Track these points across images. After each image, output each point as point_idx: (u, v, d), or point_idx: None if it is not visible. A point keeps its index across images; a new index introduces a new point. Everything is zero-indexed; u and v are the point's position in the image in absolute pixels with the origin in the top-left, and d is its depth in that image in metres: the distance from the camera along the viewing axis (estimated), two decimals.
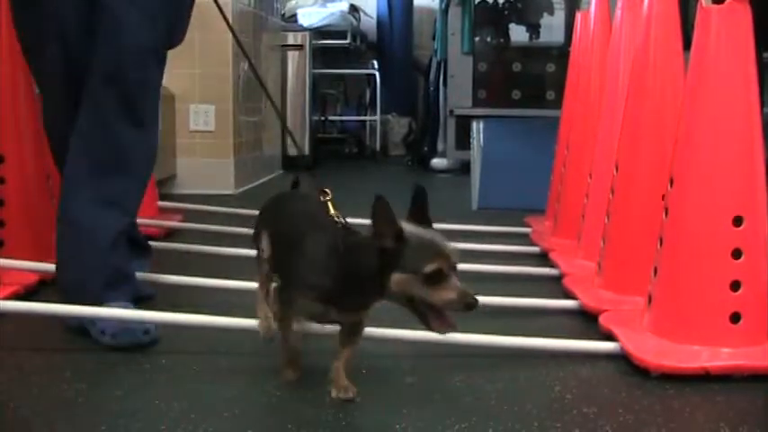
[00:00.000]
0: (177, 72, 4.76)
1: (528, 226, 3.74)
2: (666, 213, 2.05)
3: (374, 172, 6.88)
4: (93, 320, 2.09)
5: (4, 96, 2.67)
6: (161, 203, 3.91)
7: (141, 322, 2.08)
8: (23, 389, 1.82)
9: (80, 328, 2.13)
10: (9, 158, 2.67)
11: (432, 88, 6.97)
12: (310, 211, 1.77)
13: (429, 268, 1.51)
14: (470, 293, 1.52)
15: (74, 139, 2.20)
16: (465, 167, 5.49)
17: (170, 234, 3.55)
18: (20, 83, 2.69)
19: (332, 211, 1.71)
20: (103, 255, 2.17)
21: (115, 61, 2.16)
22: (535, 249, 3.31)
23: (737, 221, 1.95)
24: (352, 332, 1.73)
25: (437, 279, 1.52)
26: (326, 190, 1.76)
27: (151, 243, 3.15)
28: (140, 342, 2.06)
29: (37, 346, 2.12)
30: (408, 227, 1.55)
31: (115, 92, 2.16)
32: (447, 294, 1.52)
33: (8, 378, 1.89)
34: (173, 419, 1.65)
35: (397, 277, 1.53)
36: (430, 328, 1.56)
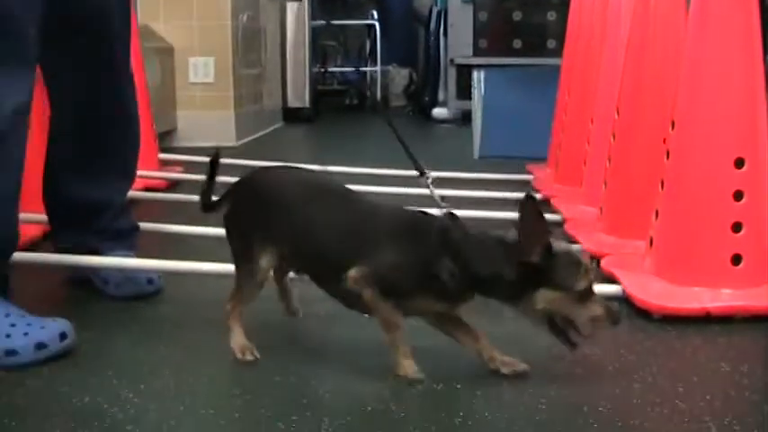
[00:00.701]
0: (176, 24, 4.70)
1: (530, 173, 3.74)
2: (668, 156, 2.04)
3: (375, 123, 6.86)
4: (96, 271, 2.10)
5: None
6: (162, 156, 3.90)
7: (145, 272, 2.08)
8: None
9: (84, 279, 2.13)
10: None
11: (432, 38, 6.93)
12: (351, 197, 1.61)
13: (582, 285, 1.46)
14: (614, 307, 1.50)
15: (55, 124, 2.10)
16: (466, 117, 5.48)
17: (172, 185, 3.56)
18: None
19: (435, 193, 1.64)
20: (108, 224, 2.15)
21: (95, 50, 2.02)
22: (537, 196, 3.31)
23: (739, 163, 1.94)
24: (454, 316, 1.60)
25: (586, 295, 1.47)
26: (425, 171, 1.72)
27: (153, 195, 3.16)
28: (144, 292, 2.07)
29: (41, 297, 2.12)
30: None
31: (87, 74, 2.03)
32: (595, 311, 1.48)
33: None
34: (177, 366, 1.67)
35: (547, 295, 1.46)
36: (567, 342, 1.52)
